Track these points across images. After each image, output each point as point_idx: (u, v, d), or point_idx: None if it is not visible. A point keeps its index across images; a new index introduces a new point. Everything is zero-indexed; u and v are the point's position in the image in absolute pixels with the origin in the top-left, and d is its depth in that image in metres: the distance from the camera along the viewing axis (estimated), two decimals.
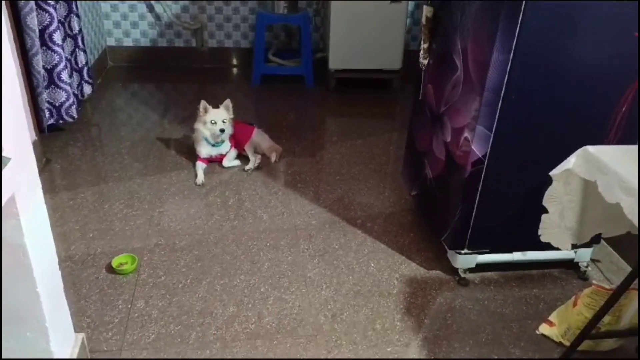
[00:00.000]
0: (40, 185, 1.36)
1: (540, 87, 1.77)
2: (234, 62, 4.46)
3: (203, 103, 2.76)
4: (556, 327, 1.87)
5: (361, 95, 4.01)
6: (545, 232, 1.60)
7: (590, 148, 1.43)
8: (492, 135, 1.83)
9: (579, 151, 1.45)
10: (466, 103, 1.89)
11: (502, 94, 1.77)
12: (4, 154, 1.15)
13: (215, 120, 2.76)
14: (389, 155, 3.21)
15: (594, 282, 1.82)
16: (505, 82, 1.75)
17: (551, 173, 1.52)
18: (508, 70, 1.73)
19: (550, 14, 1.65)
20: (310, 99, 4.02)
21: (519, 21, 1.65)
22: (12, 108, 1.21)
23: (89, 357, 1.66)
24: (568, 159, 1.47)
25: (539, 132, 1.85)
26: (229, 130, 2.82)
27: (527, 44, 1.68)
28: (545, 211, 1.58)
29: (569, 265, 2.21)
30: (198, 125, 2.81)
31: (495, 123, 1.81)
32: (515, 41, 1.68)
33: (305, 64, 4.04)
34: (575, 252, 2.16)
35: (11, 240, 1.24)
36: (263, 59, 4.07)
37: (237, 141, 2.95)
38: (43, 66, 2.87)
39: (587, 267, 2.18)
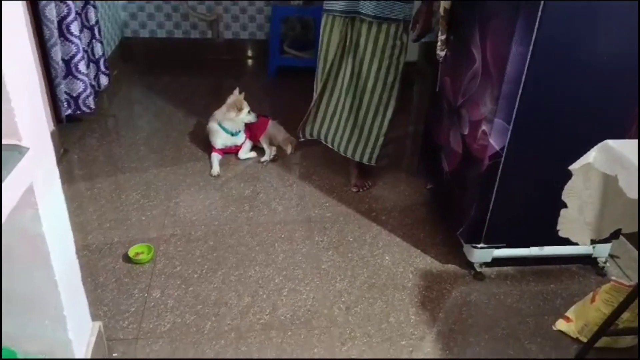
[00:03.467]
0: (58, 175, 1.37)
1: (559, 80, 1.74)
2: (249, 53, 4.46)
3: (241, 99, 2.85)
4: (573, 323, 1.85)
5: None
6: (564, 227, 1.57)
7: (611, 142, 1.40)
8: (510, 128, 1.81)
9: (600, 145, 1.42)
10: (484, 95, 1.87)
11: (521, 87, 1.74)
12: (22, 143, 1.16)
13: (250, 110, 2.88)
14: (405, 148, 3.19)
15: (612, 278, 1.80)
16: (524, 74, 1.72)
17: (570, 167, 1.49)
18: (527, 62, 1.70)
19: (570, 6, 1.62)
20: None
21: (539, 13, 1.62)
22: (30, 98, 1.22)
23: (106, 345, 1.68)
24: (588, 153, 1.44)
25: (558, 125, 1.82)
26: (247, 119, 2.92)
27: (547, 36, 1.65)
28: (564, 206, 1.55)
29: (587, 260, 2.18)
30: (229, 116, 2.84)
31: (513, 116, 1.79)
32: (535, 34, 1.66)
33: None
34: (594, 247, 2.12)
35: (29, 230, 1.25)
36: (278, 51, 4.06)
37: (253, 133, 2.96)
38: (61, 57, 2.89)
39: (605, 263, 2.15)
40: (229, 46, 4.39)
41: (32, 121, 1.21)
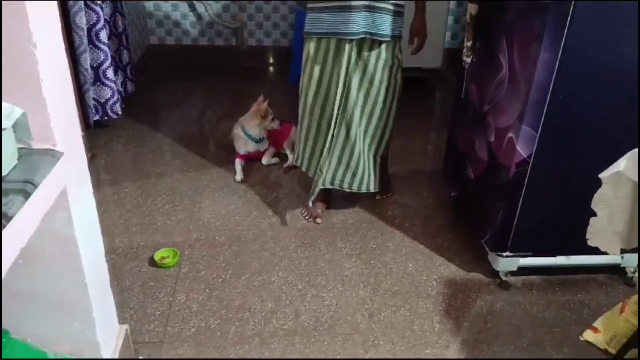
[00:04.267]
0: (89, 179, 1.40)
1: (587, 88, 1.72)
2: (272, 60, 4.49)
3: (266, 105, 2.86)
4: (601, 333, 1.82)
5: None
6: (593, 236, 1.56)
7: None
8: (537, 135, 1.79)
9: (630, 154, 1.41)
10: (511, 102, 1.86)
11: (549, 94, 1.73)
12: (57, 147, 1.19)
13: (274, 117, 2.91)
14: (427, 155, 3.18)
15: None
16: (552, 81, 1.71)
17: (601, 175, 1.48)
18: (556, 69, 1.69)
19: (599, 13, 1.60)
20: None
21: (568, 20, 1.61)
22: (65, 104, 1.25)
23: (132, 348, 1.70)
24: (618, 161, 1.43)
25: (586, 132, 1.79)
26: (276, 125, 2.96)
27: (576, 43, 1.64)
28: (594, 214, 1.53)
29: (615, 270, 2.14)
30: (253, 122, 2.87)
31: (541, 123, 1.77)
32: (563, 40, 1.64)
33: None
34: (622, 257, 2.08)
35: (61, 232, 1.28)
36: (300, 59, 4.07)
37: (276, 139, 2.98)
38: (90, 64, 2.95)
39: (634, 272, 2.11)
40: (253, 53, 4.43)
41: (66, 126, 1.24)
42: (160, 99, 3.88)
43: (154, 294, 2.00)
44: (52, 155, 1.16)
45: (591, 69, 1.68)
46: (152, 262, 2.14)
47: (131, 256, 2.19)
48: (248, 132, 2.86)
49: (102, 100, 3.10)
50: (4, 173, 1.06)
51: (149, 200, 2.59)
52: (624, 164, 1.40)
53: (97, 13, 2.90)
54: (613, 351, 1.75)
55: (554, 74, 1.70)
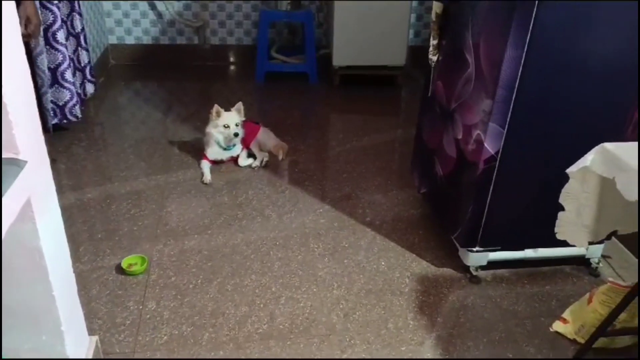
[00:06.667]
0: (54, 187, 1.34)
1: (554, 84, 1.75)
2: (236, 59, 4.44)
3: (216, 107, 2.74)
4: (570, 324, 1.87)
5: (365, 92, 3.99)
6: (562, 229, 1.59)
7: (608, 145, 1.42)
8: (505, 132, 1.82)
9: (597, 148, 1.44)
10: (478, 100, 1.88)
11: (515, 91, 1.75)
12: (20, 157, 1.14)
13: (228, 124, 2.74)
14: (395, 153, 3.20)
15: (609, 279, 1.81)
16: (518, 78, 1.74)
17: (568, 170, 1.51)
18: (522, 66, 1.72)
19: (564, 8, 1.63)
20: (315, 96, 4.00)
21: (533, 16, 1.64)
22: (26, 110, 1.20)
23: (102, 359, 1.65)
24: (585, 156, 1.46)
25: (553, 129, 1.83)
26: (241, 133, 2.80)
27: (542, 39, 1.67)
28: (562, 209, 1.56)
29: (580, 261, 2.20)
30: (210, 129, 2.79)
31: (508, 120, 1.80)
32: (529, 37, 1.67)
33: (309, 61, 4.02)
34: (587, 248, 2.14)
35: (27, 243, 1.23)
36: (267, 57, 4.05)
37: (244, 140, 2.94)
38: (47, 65, 2.84)
39: (598, 263, 2.18)
40: (216, 52, 4.37)
41: (29, 133, 1.19)
42: (121, 100, 3.78)
43: (122, 303, 1.94)
44: (15, 165, 1.11)
45: (557, 66, 1.72)
46: (120, 270, 2.08)
47: (97, 264, 2.12)
48: (217, 140, 2.80)
49: (61, 103, 3.00)
50: None
51: (114, 205, 2.52)
52: (590, 159, 1.43)
53: (53, 13, 2.79)
54: (582, 341, 1.80)
55: (520, 71, 1.73)
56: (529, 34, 1.66)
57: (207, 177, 2.74)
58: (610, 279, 1.80)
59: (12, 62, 1.11)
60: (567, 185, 1.54)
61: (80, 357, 1.49)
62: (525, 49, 1.69)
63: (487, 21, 1.82)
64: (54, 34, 2.83)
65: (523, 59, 1.71)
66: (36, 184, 1.21)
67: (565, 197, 1.55)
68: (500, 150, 1.85)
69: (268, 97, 3.96)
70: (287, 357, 1.76)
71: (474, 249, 2.07)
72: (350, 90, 3.98)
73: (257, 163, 2.87)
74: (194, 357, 1.74)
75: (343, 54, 3.88)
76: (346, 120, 3.63)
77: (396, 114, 3.83)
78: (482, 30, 1.85)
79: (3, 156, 1.11)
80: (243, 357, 1.75)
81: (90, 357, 1.53)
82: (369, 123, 3.52)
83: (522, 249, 2.12)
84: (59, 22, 2.83)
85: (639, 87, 1.75)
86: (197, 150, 2.97)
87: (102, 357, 1.64)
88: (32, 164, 1.17)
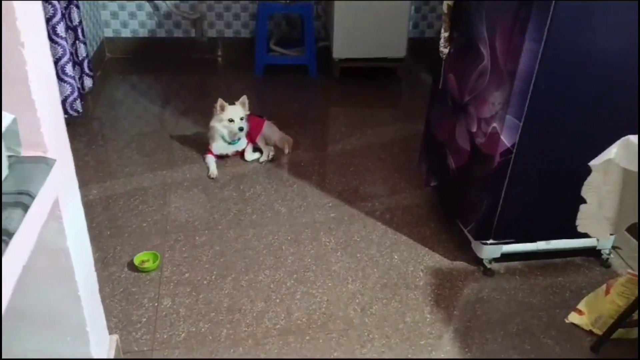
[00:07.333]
0: (77, 185, 1.32)
1: (571, 76, 1.75)
2: (234, 52, 4.38)
3: (220, 101, 2.70)
4: (586, 315, 1.88)
5: (365, 85, 3.97)
6: (583, 222, 1.60)
7: (632, 137, 1.42)
8: (521, 124, 1.82)
9: (621, 141, 1.44)
10: (494, 92, 1.88)
11: (532, 83, 1.75)
12: (48, 155, 1.11)
13: (232, 119, 2.71)
14: (399, 145, 3.19)
15: (628, 271, 1.83)
16: (535, 70, 1.73)
17: (591, 163, 1.51)
18: (539, 58, 1.71)
19: (583, 1, 1.63)
20: (315, 89, 3.98)
21: (551, 9, 1.63)
22: (51, 107, 1.17)
23: (123, 358, 1.63)
24: (609, 149, 1.46)
25: (569, 121, 1.83)
26: (246, 127, 2.77)
27: (559, 32, 1.66)
28: (583, 201, 1.57)
29: (591, 252, 2.21)
30: (214, 123, 2.75)
31: (524, 112, 1.80)
32: (547, 29, 1.66)
33: (308, 54, 3.99)
34: (598, 240, 2.16)
35: (53, 244, 1.20)
36: (266, 49, 4.01)
37: (249, 134, 2.91)
38: None
39: (609, 254, 2.19)
40: (213, 45, 4.32)
41: (55, 131, 1.16)
42: (119, 94, 3.72)
43: (137, 300, 1.92)
44: (45, 163, 1.08)
45: (575, 58, 1.71)
46: (132, 267, 2.06)
47: (109, 262, 2.09)
48: (221, 134, 2.77)
49: (62, 98, 2.94)
50: None
51: (120, 201, 2.48)
52: (614, 152, 1.43)
53: (53, 6, 2.73)
54: (598, 332, 1.81)
55: (537, 63, 1.72)
56: (547, 27, 1.66)
57: (214, 171, 2.71)
58: (629, 271, 1.82)
59: (38, 60, 1.07)
60: (589, 178, 1.54)
61: (103, 357, 1.47)
62: (543, 42, 1.68)
63: (504, 14, 1.81)
64: (53, 27, 2.77)
65: (540, 52, 1.70)
66: (63, 182, 1.18)
67: (588, 189, 1.55)
68: (517, 143, 1.85)
69: (267, 90, 3.92)
70: (307, 352, 1.75)
71: (488, 242, 2.08)
72: (351, 83, 3.96)
73: (264, 157, 2.85)
74: (213, 356, 1.72)
75: (343, 47, 3.86)
76: (348, 113, 3.61)
77: (398, 107, 3.82)
78: (499, 23, 1.84)
79: (31, 154, 1.08)
80: (262, 355, 1.74)
81: (112, 356, 1.51)
82: (371, 116, 3.50)
83: (534, 240, 2.13)
84: (59, 15, 2.77)
85: (638, 88, 1.75)
86: (199, 144, 2.93)
87: (122, 355, 1.62)
88: (59, 162, 1.14)
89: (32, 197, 0.98)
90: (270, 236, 2.29)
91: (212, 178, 2.69)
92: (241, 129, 2.73)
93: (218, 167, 2.77)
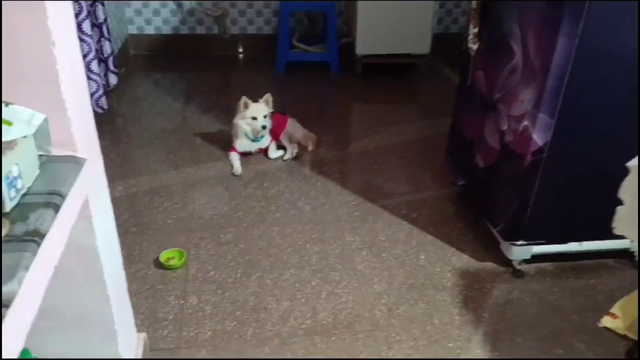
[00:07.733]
0: (107, 184, 1.31)
1: (606, 74, 1.70)
2: (256, 49, 4.37)
3: (244, 99, 2.69)
4: (620, 319, 1.83)
5: (388, 81, 3.93)
6: (619, 224, 1.55)
7: None
8: (554, 123, 1.77)
9: None
10: (526, 90, 1.83)
11: (565, 80, 1.70)
12: (78, 154, 1.11)
13: (256, 116, 2.70)
14: (423, 143, 3.14)
15: None
16: (569, 68, 1.68)
17: (628, 164, 1.46)
18: (573, 56, 1.66)
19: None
20: (338, 86, 3.94)
21: (586, 5, 1.58)
22: (81, 106, 1.16)
23: (151, 357, 1.63)
24: None
25: (602, 120, 1.78)
26: (269, 125, 2.76)
27: (594, 29, 1.61)
28: (620, 203, 1.52)
29: (624, 254, 2.15)
30: (238, 121, 2.74)
31: (557, 110, 1.75)
32: (581, 26, 1.61)
33: (331, 51, 3.96)
34: (632, 241, 2.10)
35: (83, 243, 1.20)
36: (288, 46, 3.99)
37: (273, 132, 2.90)
38: None
39: None
40: (236, 42, 4.31)
41: (85, 130, 1.16)
42: (143, 91, 3.74)
43: (163, 298, 1.92)
44: (75, 163, 1.08)
45: (610, 56, 1.66)
46: (158, 264, 2.06)
47: (134, 258, 2.10)
48: (245, 131, 2.76)
49: None
50: (27, 184, 0.97)
51: (146, 198, 2.49)
52: None
53: (79, 3, 2.75)
54: (633, 336, 1.76)
55: (571, 60, 1.67)
56: (581, 24, 1.60)
57: (238, 169, 2.71)
58: None
59: (68, 59, 1.07)
60: (626, 179, 1.50)
61: (131, 357, 1.47)
62: (578, 39, 1.63)
63: (537, 10, 1.76)
64: (79, 24, 2.79)
65: (575, 49, 1.65)
66: (93, 181, 1.18)
67: (625, 191, 1.51)
68: (549, 142, 1.80)
69: (289, 87, 3.90)
70: (334, 353, 1.73)
71: (518, 243, 2.03)
72: (373, 79, 3.92)
73: (288, 155, 2.83)
74: (239, 356, 1.72)
75: (367, 43, 3.81)
76: (371, 110, 3.58)
77: (422, 103, 3.77)
78: (532, 19, 1.79)
79: (62, 154, 1.08)
80: (289, 355, 1.72)
81: (140, 355, 1.51)
82: (394, 112, 3.46)
83: (565, 242, 2.07)
84: (84, 12, 2.79)
85: (638, 91, 1.69)
86: (223, 141, 2.93)
87: (149, 354, 1.62)
88: (89, 162, 1.14)
89: (63, 197, 0.98)
90: (294, 234, 2.27)
91: (236, 175, 2.68)
92: (264, 127, 2.71)
93: (242, 164, 2.76)
